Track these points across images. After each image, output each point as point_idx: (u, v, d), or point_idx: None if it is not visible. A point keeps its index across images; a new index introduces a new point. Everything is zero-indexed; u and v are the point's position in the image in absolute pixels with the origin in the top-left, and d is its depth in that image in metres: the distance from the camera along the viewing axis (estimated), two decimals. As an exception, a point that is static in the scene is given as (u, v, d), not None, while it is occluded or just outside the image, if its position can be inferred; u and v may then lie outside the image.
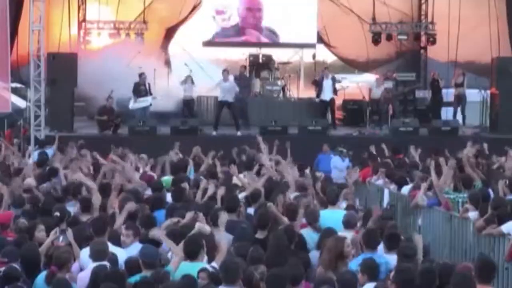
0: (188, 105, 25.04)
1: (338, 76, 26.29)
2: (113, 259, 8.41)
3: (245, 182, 13.63)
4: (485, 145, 18.14)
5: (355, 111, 25.65)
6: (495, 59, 24.61)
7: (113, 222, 10.11)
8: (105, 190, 12.06)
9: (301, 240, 9.52)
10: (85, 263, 8.58)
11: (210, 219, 9.99)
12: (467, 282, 7.26)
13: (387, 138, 22.36)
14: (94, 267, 7.83)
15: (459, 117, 24.95)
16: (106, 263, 8.19)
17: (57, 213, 10.07)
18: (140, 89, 23.69)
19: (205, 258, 8.51)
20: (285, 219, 10.28)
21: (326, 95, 24.30)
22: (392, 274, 7.57)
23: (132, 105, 23.46)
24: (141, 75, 23.88)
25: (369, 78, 28.47)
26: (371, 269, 7.85)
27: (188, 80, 24.80)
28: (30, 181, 13.62)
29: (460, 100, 25.03)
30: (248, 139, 21.59)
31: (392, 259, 8.51)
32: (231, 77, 23.57)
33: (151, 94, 23.81)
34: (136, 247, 8.93)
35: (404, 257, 8.24)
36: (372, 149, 18.62)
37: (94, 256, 8.39)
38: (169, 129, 23.07)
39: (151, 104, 23.86)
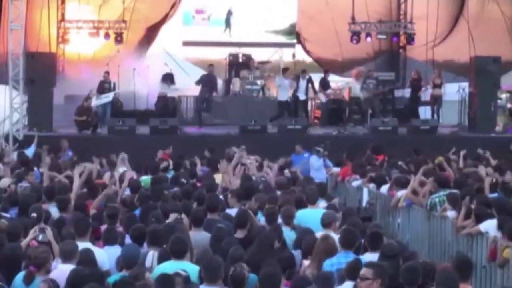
0: (168, 103, 25.04)
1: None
2: (90, 259, 8.38)
3: (227, 181, 13.70)
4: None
5: (334, 110, 25.66)
6: (473, 58, 24.72)
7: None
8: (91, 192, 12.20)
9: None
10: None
11: (191, 219, 10.03)
12: (451, 280, 7.31)
13: (366, 138, 22.45)
14: (72, 269, 7.79)
15: (435, 117, 25.04)
16: (74, 264, 8.17)
17: (34, 214, 10.04)
18: (104, 86, 24.37)
19: (189, 257, 8.53)
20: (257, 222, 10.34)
21: (301, 94, 24.39)
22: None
23: (94, 102, 23.53)
24: (104, 73, 24.58)
25: (349, 77, 28.52)
26: (353, 270, 7.84)
27: (167, 79, 24.83)
28: (7, 180, 13.54)
29: (436, 101, 25.12)
30: (227, 138, 21.65)
31: (373, 258, 8.54)
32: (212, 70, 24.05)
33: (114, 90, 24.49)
34: (117, 249, 8.95)
35: (384, 257, 8.27)
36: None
37: (63, 257, 8.37)
38: (148, 128, 23.02)
39: (112, 100, 24.22)
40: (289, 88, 24.20)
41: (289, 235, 9.77)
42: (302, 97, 24.43)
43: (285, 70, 25.24)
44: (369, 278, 7.33)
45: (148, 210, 10.65)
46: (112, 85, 24.78)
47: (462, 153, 17.19)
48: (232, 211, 10.94)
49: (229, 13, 27.85)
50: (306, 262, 8.77)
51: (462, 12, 27.58)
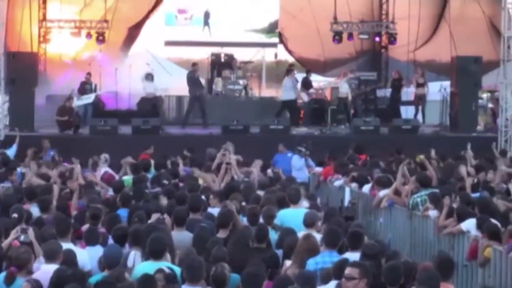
0: (150, 103, 25.01)
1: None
2: (71, 259, 8.34)
3: (208, 180, 13.72)
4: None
5: (317, 110, 25.71)
6: (455, 58, 24.82)
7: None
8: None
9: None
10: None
11: (173, 219, 10.03)
12: (433, 279, 7.34)
13: (348, 137, 22.48)
14: (55, 270, 7.76)
15: (419, 116, 25.14)
16: (57, 264, 8.14)
17: (15, 215, 10.00)
18: (85, 88, 24.49)
19: (169, 257, 8.52)
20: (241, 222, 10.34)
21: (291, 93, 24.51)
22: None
23: (76, 102, 23.55)
24: (86, 74, 24.66)
25: (331, 77, 28.56)
26: (341, 269, 7.83)
27: (149, 78, 24.78)
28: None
29: (420, 100, 25.23)
30: (209, 138, 21.64)
31: (354, 257, 8.55)
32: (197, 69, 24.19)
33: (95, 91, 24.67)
34: (99, 249, 8.93)
35: (365, 256, 8.29)
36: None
37: (46, 257, 8.34)
38: (131, 128, 22.95)
39: (93, 101, 24.32)
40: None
41: (271, 235, 9.76)
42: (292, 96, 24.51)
43: (289, 71, 24.97)
44: (355, 278, 7.29)
45: (134, 211, 10.65)
46: (93, 87, 24.79)
47: (432, 152, 17.43)
48: (214, 211, 10.94)
49: (207, 15, 27.86)
50: (288, 262, 8.78)
51: (444, 13, 27.69)
